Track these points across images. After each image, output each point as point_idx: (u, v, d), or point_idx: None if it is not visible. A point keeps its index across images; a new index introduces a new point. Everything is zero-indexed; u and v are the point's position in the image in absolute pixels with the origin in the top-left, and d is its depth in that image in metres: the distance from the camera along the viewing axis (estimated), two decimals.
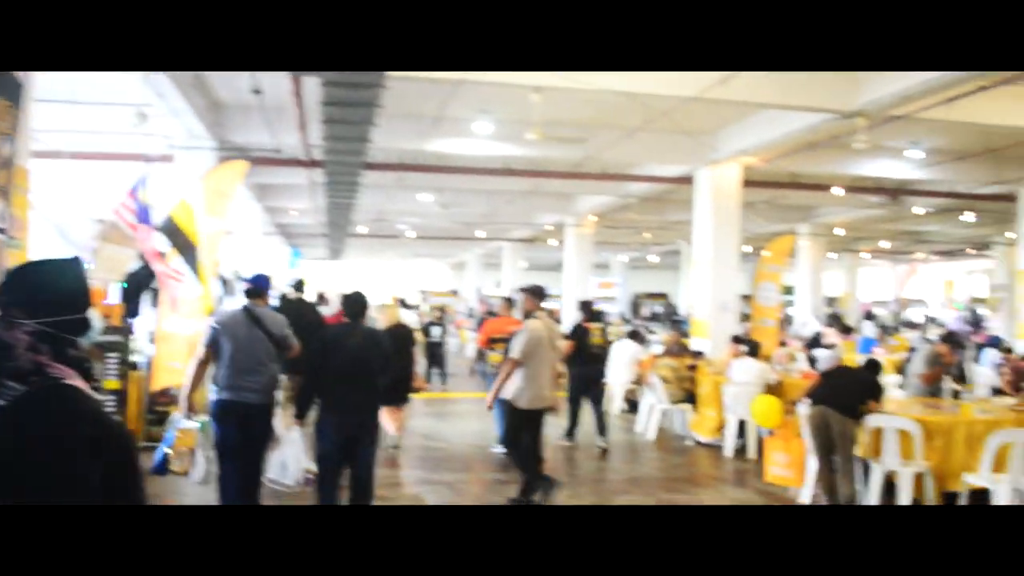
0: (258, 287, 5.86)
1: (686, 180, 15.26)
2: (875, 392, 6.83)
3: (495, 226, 25.56)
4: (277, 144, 12.58)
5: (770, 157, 14.21)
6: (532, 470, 6.78)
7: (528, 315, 6.86)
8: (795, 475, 6.99)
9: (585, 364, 9.49)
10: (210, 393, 5.84)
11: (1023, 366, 8.24)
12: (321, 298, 16.43)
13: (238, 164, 9.09)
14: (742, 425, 9.38)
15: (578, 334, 9.57)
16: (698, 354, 11.86)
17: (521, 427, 6.75)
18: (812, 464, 6.98)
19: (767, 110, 12.07)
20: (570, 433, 9.71)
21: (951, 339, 9.63)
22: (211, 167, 10.67)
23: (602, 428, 9.54)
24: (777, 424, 7.06)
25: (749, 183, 15.84)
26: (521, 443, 6.78)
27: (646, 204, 20.96)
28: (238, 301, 6.39)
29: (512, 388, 6.63)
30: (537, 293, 6.95)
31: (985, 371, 11.75)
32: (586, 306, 10.36)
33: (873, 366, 7.26)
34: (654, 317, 32.25)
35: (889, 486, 6.55)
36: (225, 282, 12.63)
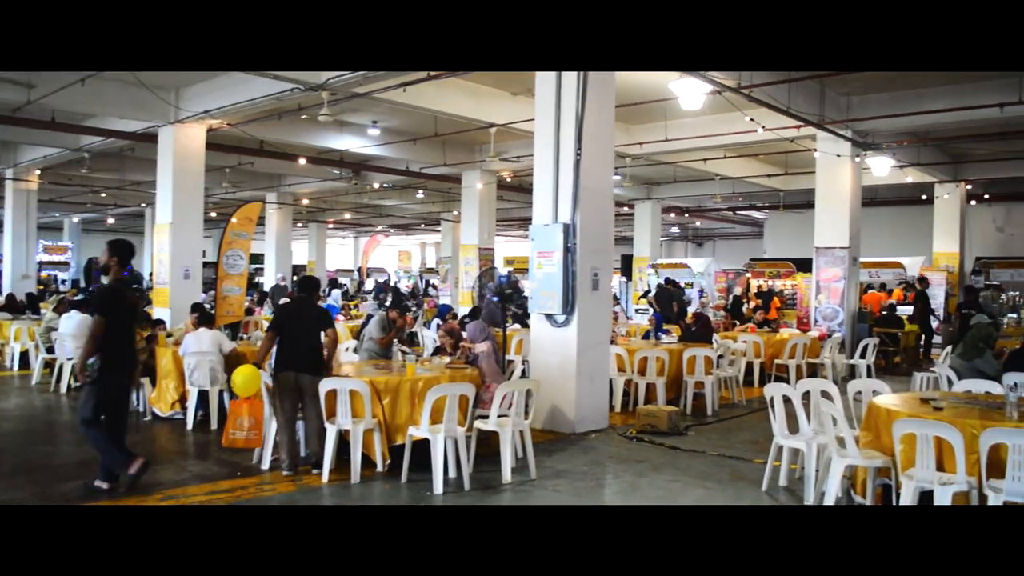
0: None
1: (148, 138, 14.32)
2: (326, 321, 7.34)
3: None
4: None
5: (237, 121, 13.99)
6: None
7: None
8: (256, 436, 6.99)
9: None
10: None
11: (455, 327, 9.23)
12: None
13: None
14: (203, 396, 9.13)
15: None
16: (158, 323, 11.24)
17: None
18: (274, 427, 7.07)
19: (234, 72, 11.81)
20: None
21: (401, 306, 10.43)
22: None
23: None
24: (255, 391, 6.99)
25: (216, 146, 15.46)
26: None
27: (103, 161, 19.28)
28: None
29: None
30: None
31: (431, 334, 13.06)
32: None
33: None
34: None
35: (344, 444, 6.89)
36: None
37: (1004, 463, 5.03)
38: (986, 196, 22.40)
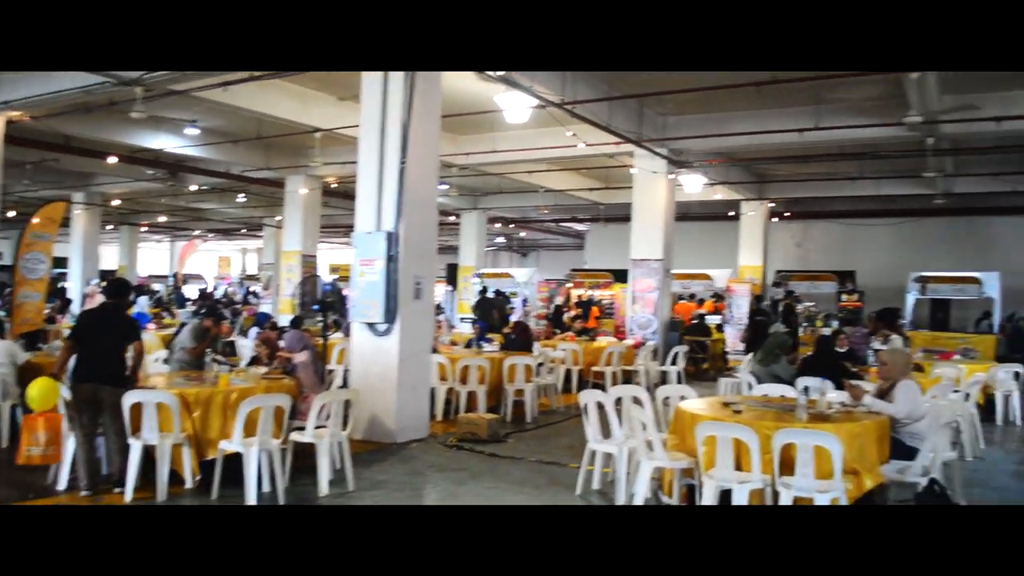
0: None
1: None
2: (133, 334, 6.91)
3: None
4: None
5: (40, 114, 13.03)
6: None
7: None
8: (54, 452, 6.51)
9: None
10: None
11: (272, 336, 8.97)
12: None
13: None
14: None
15: None
16: None
17: None
18: (72, 443, 6.61)
19: None
20: None
21: (216, 314, 10.02)
22: None
23: None
24: (53, 405, 6.50)
25: (16, 140, 14.34)
26: None
27: None
28: None
29: None
30: None
31: (249, 343, 12.62)
32: None
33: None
34: None
35: (150, 460, 6.53)
36: None
37: (795, 461, 5.42)
38: (787, 214, 24.08)
